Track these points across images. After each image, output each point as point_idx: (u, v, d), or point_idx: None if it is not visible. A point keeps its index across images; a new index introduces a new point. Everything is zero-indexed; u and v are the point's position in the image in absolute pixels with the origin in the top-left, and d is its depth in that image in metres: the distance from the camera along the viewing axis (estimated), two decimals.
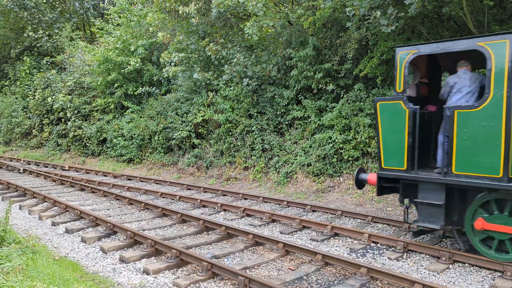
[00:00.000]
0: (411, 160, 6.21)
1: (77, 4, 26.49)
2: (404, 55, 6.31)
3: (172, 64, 14.97)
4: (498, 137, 5.39)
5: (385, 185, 6.69)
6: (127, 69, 16.44)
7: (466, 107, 5.72)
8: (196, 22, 12.91)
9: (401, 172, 6.33)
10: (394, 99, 6.36)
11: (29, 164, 17.46)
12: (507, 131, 5.31)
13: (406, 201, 6.67)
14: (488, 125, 5.49)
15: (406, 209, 6.69)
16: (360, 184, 7.15)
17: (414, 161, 6.20)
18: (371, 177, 6.88)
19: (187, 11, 12.56)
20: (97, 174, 14.65)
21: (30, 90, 22.48)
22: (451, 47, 5.92)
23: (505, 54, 5.37)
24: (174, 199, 10.06)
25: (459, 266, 5.75)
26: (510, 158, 5.29)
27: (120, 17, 18.34)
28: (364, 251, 6.38)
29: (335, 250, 6.46)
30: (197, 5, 12.65)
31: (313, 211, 8.87)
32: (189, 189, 11.57)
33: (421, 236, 7.01)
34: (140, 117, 16.30)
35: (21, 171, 14.73)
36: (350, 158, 10.47)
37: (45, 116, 20.93)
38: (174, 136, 14.34)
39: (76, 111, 19.20)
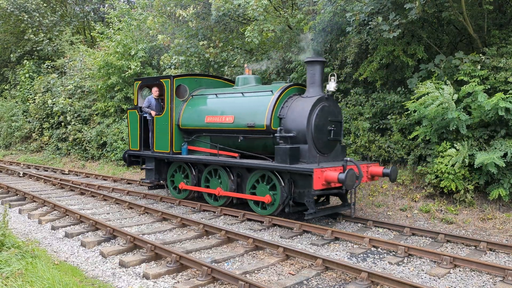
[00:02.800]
0: (140, 144, 10.62)
1: (78, 8, 26.54)
2: (137, 84, 10.89)
3: (172, 67, 15.00)
4: (167, 131, 9.88)
5: (133, 159, 11.13)
6: (127, 73, 16.46)
7: (158, 114, 10.13)
8: (193, 25, 12.92)
9: (137, 151, 10.73)
10: (133, 109, 10.85)
11: (29, 168, 17.44)
12: (171, 128, 9.80)
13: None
14: (165, 124, 9.92)
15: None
16: (125, 159, 11.21)
17: (141, 145, 10.60)
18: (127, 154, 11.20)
19: (184, 15, 12.57)
20: (97, 178, 14.63)
21: (30, 94, 22.48)
22: (152, 81, 10.69)
23: (169, 87, 9.85)
24: (174, 204, 10.04)
25: (460, 270, 5.73)
26: (173, 142, 9.78)
27: (120, 21, 18.37)
28: (364, 255, 6.36)
29: (336, 254, 6.44)
30: (195, 9, 12.67)
31: None
32: None
33: (156, 190, 11.38)
34: None
35: (21, 175, 14.72)
36: None
37: (45, 120, 20.92)
38: None
39: (76, 115, 19.19)
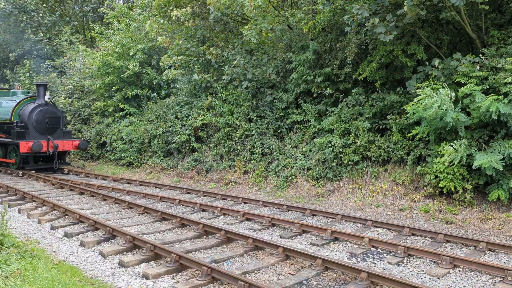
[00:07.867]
0: None
1: (77, 8, 26.51)
2: None
3: (172, 67, 14.98)
4: None
5: None
6: (126, 73, 16.44)
7: None
8: (189, 25, 12.86)
9: None
10: None
11: None
12: None
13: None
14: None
15: None
16: None
17: None
18: None
19: (178, 15, 12.50)
20: (96, 178, 14.62)
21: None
22: None
23: None
24: (173, 203, 10.04)
25: (459, 270, 5.74)
26: None
27: (119, 22, 18.35)
28: (364, 255, 6.36)
29: (335, 254, 6.45)
30: (191, 9, 12.61)
31: (313, 215, 8.86)
32: (188, 193, 11.55)
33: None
34: (140, 120, 16.29)
35: (20, 174, 14.71)
36: (350, 162, 10.46)
37: None
38: (173, 140, 14.32)
39: (75, 114, 19.18)
